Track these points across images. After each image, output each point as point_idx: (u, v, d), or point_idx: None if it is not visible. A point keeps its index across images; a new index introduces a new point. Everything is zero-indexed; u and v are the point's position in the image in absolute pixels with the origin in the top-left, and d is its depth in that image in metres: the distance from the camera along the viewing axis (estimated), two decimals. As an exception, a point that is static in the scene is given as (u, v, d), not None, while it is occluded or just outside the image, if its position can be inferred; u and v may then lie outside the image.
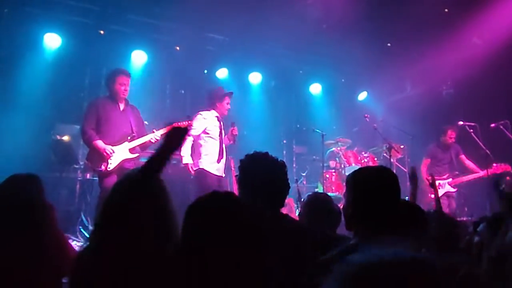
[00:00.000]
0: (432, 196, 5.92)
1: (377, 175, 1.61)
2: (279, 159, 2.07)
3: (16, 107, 5.51)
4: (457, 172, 6.04)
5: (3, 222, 2.02)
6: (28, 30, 5.67)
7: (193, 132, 4.82)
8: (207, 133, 4.93)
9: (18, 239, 1.98)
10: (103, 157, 4.28)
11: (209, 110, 5.02)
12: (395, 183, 1.60)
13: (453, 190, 6.00)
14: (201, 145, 4.90)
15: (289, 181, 2.08)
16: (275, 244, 1.29)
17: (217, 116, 5.02)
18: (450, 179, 6.00)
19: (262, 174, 1.92)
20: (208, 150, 4.89)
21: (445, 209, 5.87)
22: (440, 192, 5.93)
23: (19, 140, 5.31)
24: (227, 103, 5.06)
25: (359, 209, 1.56)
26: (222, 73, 7.15)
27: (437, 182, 5.97)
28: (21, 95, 5.55)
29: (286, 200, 2.76)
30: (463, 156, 6.05)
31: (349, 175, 1.69)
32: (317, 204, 2.53)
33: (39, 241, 2.03)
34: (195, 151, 4.93)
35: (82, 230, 4.84)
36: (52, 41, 5.84)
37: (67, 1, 5.79)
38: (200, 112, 4.98)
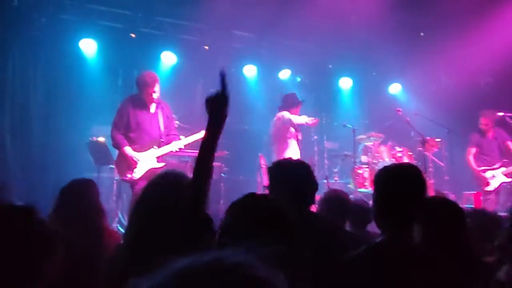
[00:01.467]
0: (487, 189, 5.46)
1: (397, 175, 1.58)
2: (304, 162, 2.23)
3: (57, 110, 5.78)
4: (506, 160, 5.59)
5: (71, 221, 2.17)
6: (64, 36, 5.93)
7: (289, 119, 5.15)
8: (291, 134, 5.20)
9: (83, 238, 2.11)
10: (130, 166, 4.32)
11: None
12: (416, 182, 1.56)
13: (508, 180, 5.48)
14: (286, 146, 5.14)
15: (316, 180, 2.21)
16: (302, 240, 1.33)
17: None
18: (504, 168, 5.51)
19: (286, 178, 2.09)
20: (292, 152, 5.08)
21: (494, 204, 5.35)
22: (495, 183, 5.50)
23: (59, 141, 5.57)
24: (299, 110, 5.40)
25: (381, 207, 1.55)
26: (251, 71, 7.15)
27: (490, 173, 5.50)
28: (60, 99, 5.82)
29: (318, 197, 2.77)
30: (509, 143, 5.68)
31: (376, 173, 1.67)
32: (333, 201, 2.54)
33: (100, 240, 2.17)
34: (278, 152, 5.12)
35: (119, 227, 5.01)
36: (87, 46, 6.07)
37: (101, 8, 6.01)
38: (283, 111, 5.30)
